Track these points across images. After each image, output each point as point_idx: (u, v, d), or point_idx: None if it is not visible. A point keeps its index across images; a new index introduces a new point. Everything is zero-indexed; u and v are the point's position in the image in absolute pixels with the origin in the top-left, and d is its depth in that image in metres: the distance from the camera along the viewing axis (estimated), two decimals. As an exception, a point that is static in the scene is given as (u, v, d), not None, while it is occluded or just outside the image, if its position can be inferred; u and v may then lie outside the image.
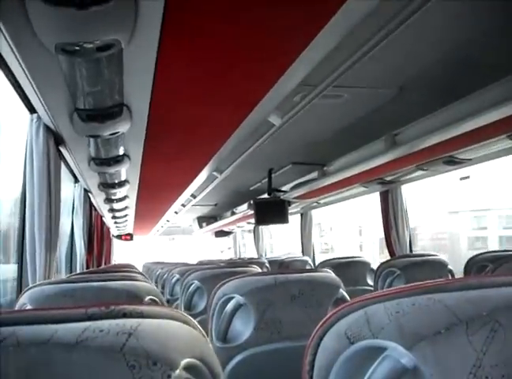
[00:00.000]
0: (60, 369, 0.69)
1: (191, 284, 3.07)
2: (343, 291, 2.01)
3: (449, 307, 0.81)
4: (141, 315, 0.78)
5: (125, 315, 0.77)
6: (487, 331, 0.79)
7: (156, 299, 1.93)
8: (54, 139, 2.83)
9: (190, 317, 0.85)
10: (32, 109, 2.59)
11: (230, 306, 1.95)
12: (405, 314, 0.82)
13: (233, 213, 8.84)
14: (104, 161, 3.35)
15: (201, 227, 11.14)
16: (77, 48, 1.59)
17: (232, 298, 1.95)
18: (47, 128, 2.70)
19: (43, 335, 0.71)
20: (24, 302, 1.85)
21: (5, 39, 1.64)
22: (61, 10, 1.36)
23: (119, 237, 11.11)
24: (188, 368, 0.75)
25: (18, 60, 1.81)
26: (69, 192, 5.11)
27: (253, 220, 6.88)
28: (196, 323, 0.85)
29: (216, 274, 2.96)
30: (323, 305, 1.97)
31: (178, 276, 4.16)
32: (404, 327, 0.81)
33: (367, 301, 0.87)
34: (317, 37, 1.80)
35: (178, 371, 0.73)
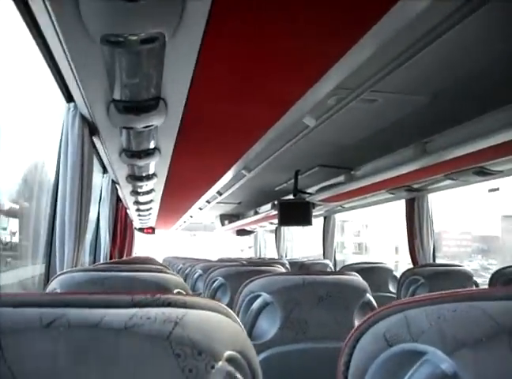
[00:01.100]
0: (108, 352, 0.71)
1: (215, 280, 3.09)
2: (369, 296, 2.01)
3: (491, 316, 0.81)
4: (185, 305, 0.79)
5: (170, 304, 0.78)
6: None
7: (184, 292, 1.94)
8: (89, 129, 2.86)
9: (230, 310, 0.86)
10: (69, 98, 2.62)
11: (256, 304, 1.96)
12: (446, 320, 0.82)
13: (256, 213, 8.84)
14: (135, 153, 3.38)
15: (223, 224, 11.15)
16: (122, 40, 1.61)
17: (259, 295, 1.96)
18: (82, 117, 2.73)
19: (92, 319, 0.72)
20: (55, 287, 1.87)
21: (53, 27, 1.66)
22: (110, 2, 1.38)
23: (141, 230, 11.17)
24: (230, 360, 0.76)
25: (63, 48, 1.84)
26: (97, 182, 5.15)
27: (275, 221, 6.88)
28: (236, 316, 0.86)
29: (240, 271, 2.97)
30: (349, 309, 1.97)
31: (200, 272, 4.18)
32: (446, 332, 0.81)
33: (407, 305, 0.87)
34: (358, 42, 1.80)
35: (221, 363, 0.74)
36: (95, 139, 3.13)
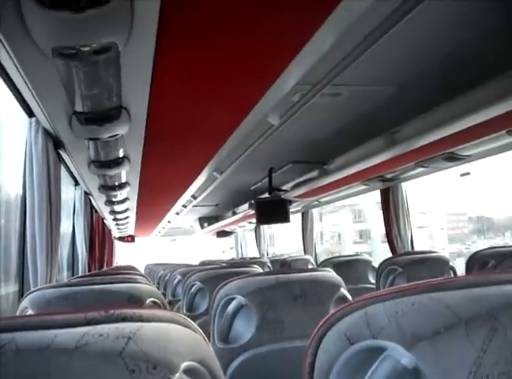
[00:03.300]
0: (60, 374, 0.69)
1: (193, 285, 3.07)
2: (344, 290, 2.01)
3: (448, 306, 0.81)
4: (141, 319, 0.78)
5: (124, 319, 0.76)
6: (487, 329, 0.79)
7: (158, 301, 1.93)
8: (54, 142, 2.83)
9: (190, 320, 0.85)
10: (30, 113, 2.59)
11: (231, 307, 1.95)
12: (405, 314, 0.82)
13: (234, 213, 8.83)
14: (104, 163, 3.34)
15: (202, 227, 11.13)
16: (74, 52, 1.58)
17: (234, 298, 1.96)
18: (45, 132, 2.70)
19: (42, 341, 0.71)
20: (26, 306, 1.85)
21: (2, 43, 1.64)
22: (57, 14, 1.35)
23: (121, 239, 11.10)
24: (188, 371, 0.75)
25: (15, 64, 1.81)
26: (69, 195, 5.11)
27: (254, 220, 6.87)
28: (196, 326, 0.85)
29: (217, 275, 2.96)
30: (324, 305, 1.97)
31: (179, 277, 4.16)
32: (404, 327, 0.81)
33: (367, 301, 0.87)
34: (313, 36, 1.80)
35: (178, 374, 0.73)
36: (61, 152, 3.10)
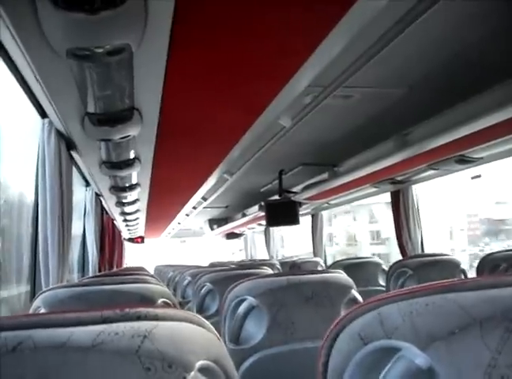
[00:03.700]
0: (76, 372, 0.70)
1: (203, 287, 3.08)
2: (355, 292, 2.01)
3: (463, 307, 0.81)
4: (156, 318, 0.78)
5: (139, 318, 0.77)
6: (502, 331, 0.79)
7: (169, 302, 1.93)
8: (66, 143, 2.85)
9: (204, 320, 0.85)
10: (43, 114, 2.60)
11: (242, 308, 1.95)
12: (419, 314, 0.82)
13: (244, 215, 8.84)
14: (115, 164, 3.36)
15: (212, 229, 11.13)
16: (88, 53, 1.59)
17: (245, 299, 1.96)
18: (58, 132, 2.72)
19: (59, 339, 0.71)
20: (38, 305, 1.86)
21: (17, 44, 1.65)
22: (71, 15, 1.36)
23: (131, 240, 11.12)
24: (203, 370, 0.75)
25: (29, 65, 1.83)
26: (80, 196, 5.13)
27: (264, 222, 6.87)
28: (210, 325, 0.86)
29: (227, 276, 2.97)
30: (335, 306, 1.97)
31: (189, 279, 4.16)
32: (418, 327, 0.81)
33: (380, 301, 0.87)
34: (326, 39, 1.80)
35: (193, 373, 0.73)
36: (73, 153, 3.11)
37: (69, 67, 1.79)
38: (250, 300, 1.94)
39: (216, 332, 0.86)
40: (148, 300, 1.86)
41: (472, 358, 0.78)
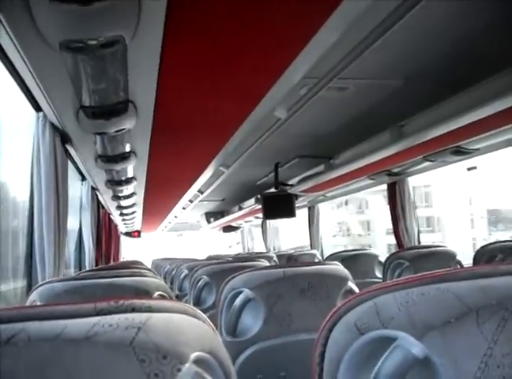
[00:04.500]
0: (70, 364, 0.69)
1: (200, 279, 3.08)
2: (351, 284, 2.01)
3: (458, 296, 0.81)
4: (150, 309, 0.78)
5: (134, 309, 0.77)
6: (498, 319, 0.79)
7: (165, 295, 1.93)
8: (61, 137, 2.83)
9: (199, 311, 0.85)
10: (37, 107, 2.59)
11: (239, 301, 1.95)
12: (415, 304, 0.82)
13: (240, 208, 8.84)
14: (111, 158, 3.35)
15: (208, 222, 11.14)
16: (81, 45, 1.59)
17: (241, 292, 1.96)
18: (53, 126, 2.70)
19: (52, 331, 0.71)
20: (34, 299, 1.86)
21: (10, 37, 1.64)
22: (64, 7, 1.35)
23: (127, 234, 11.13)
24: (198, 361, 0.75)
25: (23, 58, 1.82)
26: (76, 190, 5.12)
27: (260, 215, 6.88)
28: (205, 317, 0.85)
29: (224, 269, 2.96)
30: (332, 298, 1.97)
31: (186, 272, 4.17)
32: (414, 316, 0.81)
33: (376, 291, 0.87)
34: (320, 30, 1.79)
35: (187, 364, 0.73)
36: (68, 147, 3.10)
37: (63, 60, 1.78)
38: (247, 292, 1.94)
39: (211, 323, 0.86)
40: (144, 293, 1.86)
41: (468, 347, 0.78)
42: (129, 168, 3.86)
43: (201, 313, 0.86)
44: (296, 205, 6.40)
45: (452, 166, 4.47)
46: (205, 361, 0.77)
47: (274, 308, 1.94)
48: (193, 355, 0.75)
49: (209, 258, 6.58)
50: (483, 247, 3.63)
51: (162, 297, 1.90)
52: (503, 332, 0.78)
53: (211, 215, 10.97)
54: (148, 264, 9.80)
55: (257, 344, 1.92)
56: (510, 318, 0.79)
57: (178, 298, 4.26)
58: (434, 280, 0.85)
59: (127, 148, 3.20)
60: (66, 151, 3.05)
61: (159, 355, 0.71)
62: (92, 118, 2.39)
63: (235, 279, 2.01)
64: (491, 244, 3.63)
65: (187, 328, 0.79)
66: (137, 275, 2.01)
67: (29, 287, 3.07)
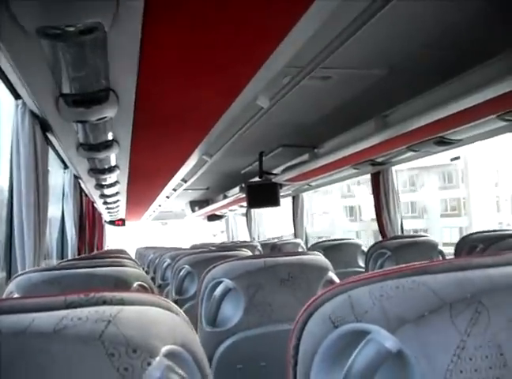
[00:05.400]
0: (38, 358, 0.68)
1: (182, 269, 3.06)
2: (332, 274, 2.01)
3: (433, 289, 0.80)
4: (122, 302, 0.76)
5: (105, 302, 0.75)
6: (471, 312, 0.79)
7: (145, 285, 1.91)
8: (41, 125, 2.80)
9: (173, 304, 0.84)
10: (16, 95, 2.56)
11: (219, 291, 1.94)
12: (389, 297, 0.82)
13: (225, 197, 8.84)
14: (93, 146, 3.32)
15: (193, 211, 11.13)
16: (59, 32, 1.56)
17: (221, 282, 1.95)
18: (32, 114, 2.67)
19: (20, 324, 0.69)
20: (12, 290, 1.83)
21: None
22: None
23: (112, 223, 11.09)
24: (169, 355, 0.74)
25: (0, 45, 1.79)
26: (59, 178, 5.07)
27: (245, 203, 6.88)
28: (179, 309, 0.84)
29: (206, 258, 2.95)
30: (312, 288, 1.96)
31: (169, 261, 4.15)
32: (388, 310, 0.80)
33: (351, 284, 0.86)
34: (302, 18, 1.77)
35: (158, 358, 0.72)
36: (49, 135, 3.07)
37: (41, 47, 1.75)
38: (227, 282, 1.93)
39: (185, 316, 0.85)
40: (123, 283, 1.84)
41: (441, 340, 0.78)
42: (112, 157, 3.83)
43: (176, 305, 0.85)
44: (281, 194, 6.40)
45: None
46: (177, 354, 0.76)
47: (254, 298, 1.93)
48: (165, 349, 0.74)
49: (194, 247, 6.58)
50: (464, 237, 3.64)
51: (142, 287, 1.88)
52: (476, 325, 0.78)
53: (195, 204, 10.97)
54: (133, 253, 9.79)
55: (237, 334, 1.91)
56: (483, 311, 0.79)
57: (161, 287, 4.25)
58: (410, 273, 0.84)
59: (109, 137, 3.17)
60: (47, 139, 3.02)
61: (128, 349, 0.70)
62: (73, 106, 2.36)
63: (215, 268, 2.00)
64: (472, 234, 3.65)
65: (159, 320, 0.78)
66: (117, 265, 1.99)
67: (9, 278, 3.04)
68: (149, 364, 0.71)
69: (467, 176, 28.45)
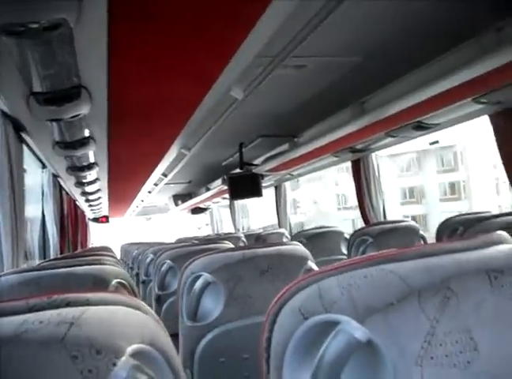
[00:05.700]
0: (1, 363, 0.67)
1: (163, 264, 3.05)
2: (312, 263, 2.00)
3: (401, 277, 0.80)
4: (87, 303, 0.75)
5: (69, 304, 0.74)
6: (440, 299, 0.78)
7: (125, 282, 1.90)
8: (14, 124, 2.77)
9: (141, 302, 0.83)
10: None
11: (198, 285, 1.92)
12: (358, 287, 0.81)
13: (208, 189, 8.82)
14: (69, 144, 3.29)
15: (176, 204, 11.10)
16: (22, 29, 1.53)
17: (200, 276, 1.94)
18: (4, 114, 2.64)
19: None
20: None
21: None
22: None
23: (95, 220, 11.03)
24: (136, 354, 0.73)
25: None
26: (37, 178, 5.02)
27: (228, 195, 6.87)
28: (148, 308, 0.83)
29: (187, 252, 2.94)
30: (292, 278, 1.94)
31: (152, 256, 4.13)
32: (357, 300, 0.80)
33: (320, 275, 0.86)
34: (269, 7, 1.76)
35: (124, 358, 0.70)
36: (23, 134, 3.03)
37: (7, 45, 1.72)
38: (206, 276, 1.92)
39: (155, 314, 0.84)
40: (102, 281, 1.82)
41: (410, 328, 0.77)
42: (90, 154, 3.80)
43: (145, 304, 0.84)
44: (263, 185, 6.40)
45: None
46: (144, 353, 0.75)
47: (234, 291, 1.93)
48: (131, 348, 0.72)
49: (179, 241, 6.56)
50: (446, 220, 3.67)
51: (121, 285, 1.87)
52: (445, 311, 0.78)
53: (179, 198, 10.94)
54: (118, 250, 9.75)
55: (218, 328, 1.91)
56: (452, 296, 0.79)
57: (145, 283, 4.24)
58: (377, 262, 0.84)
59: (86, 134, 3.14)
60: (21, 138, 2.98)
61: (92, 350, 0.69)
62: (44, 105, 2.33)
63: (194, 262, 1.99)
64: (453, 217, 3.67)
65: (125, 320, 0.77)
66: (96, 264, 1.97)
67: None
68: (115, 364, 0.69)
69: (466, 158, 28.30)
